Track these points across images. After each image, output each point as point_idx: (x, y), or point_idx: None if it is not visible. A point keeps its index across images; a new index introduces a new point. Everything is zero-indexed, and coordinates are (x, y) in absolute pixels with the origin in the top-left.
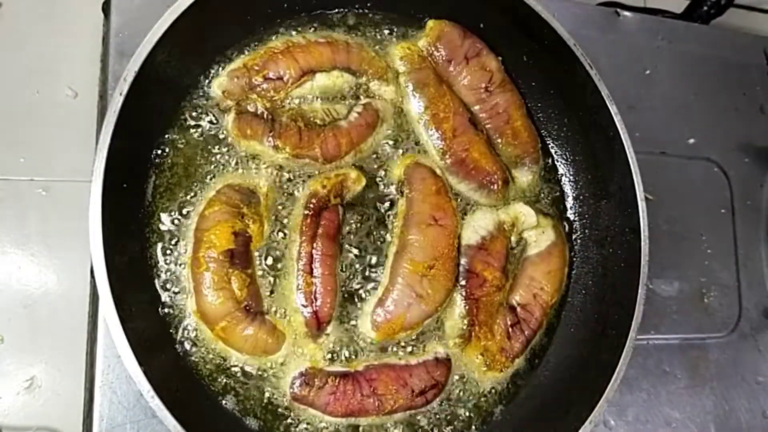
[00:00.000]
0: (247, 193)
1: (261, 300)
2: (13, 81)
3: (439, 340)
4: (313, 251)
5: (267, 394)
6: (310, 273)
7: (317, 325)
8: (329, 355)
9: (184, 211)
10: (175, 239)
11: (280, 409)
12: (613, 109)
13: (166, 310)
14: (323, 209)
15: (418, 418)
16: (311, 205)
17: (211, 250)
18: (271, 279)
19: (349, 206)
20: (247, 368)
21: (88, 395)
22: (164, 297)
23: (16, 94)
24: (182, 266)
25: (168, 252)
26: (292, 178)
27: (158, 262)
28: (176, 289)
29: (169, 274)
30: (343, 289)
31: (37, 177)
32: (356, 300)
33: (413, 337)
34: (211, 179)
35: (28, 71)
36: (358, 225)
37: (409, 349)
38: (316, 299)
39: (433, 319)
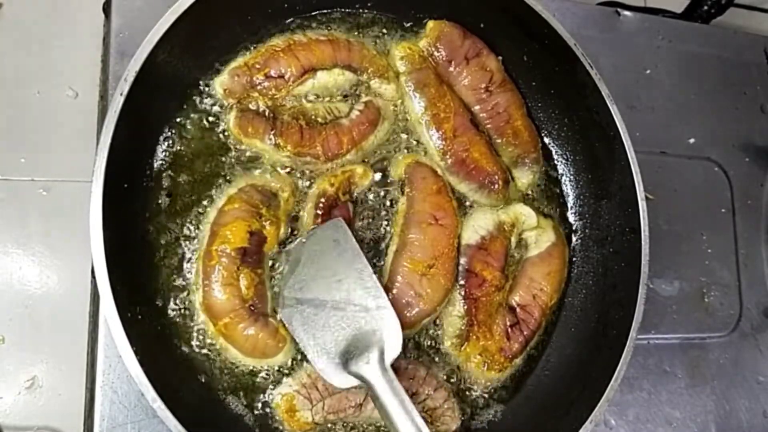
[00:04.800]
0: (269, 195)
1: (266, 302)
2: (13, 81)
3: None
4: None
5: (270, 396)
6: None
7: None
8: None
9: (185, 210)
10: (176, 238)
11: None
12: (613, 109)
13: (167, 310)
14: (333, 207)
15: None
16: (321, 205)
17: (225, 245)
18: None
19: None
20: (250, 369)
21: (89, 395)
22: (165, 296)
23: (17, 94)
24: (183, 265)
25: (169, 251)
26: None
27: (159, 262)
28: (178, 289)
29: (170, 273)
30: None
31: (37, 177)
32: None
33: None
34: (214, 178)
35: (28, 71)
36: (358, 223)
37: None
38: None
39: (432, 319)
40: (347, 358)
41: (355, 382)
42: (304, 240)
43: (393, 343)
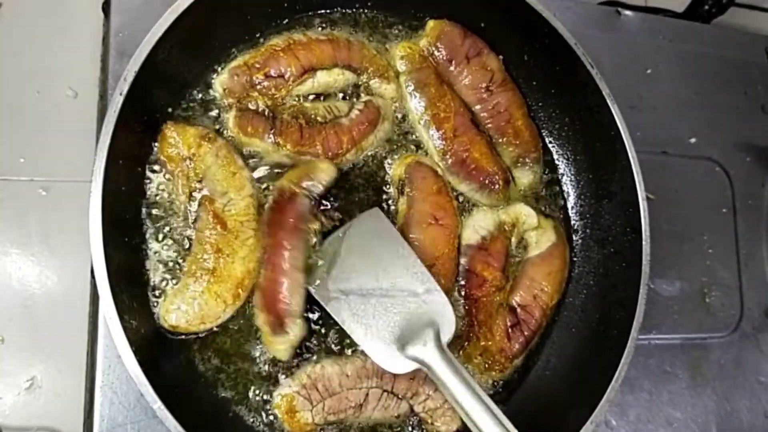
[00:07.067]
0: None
1: None
2: (13, 81)
3: None
4: (274, 244)
5: (270, 395)
6: (272, 269)
7: (279, 323)
8: (298, 350)
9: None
10: (175, 237)
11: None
12: (614, 109)
13: None
14: (290, 202)
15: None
16: (278, 200)
17: None
18: None
19: (349, 205)
20: (249, 368)
21: (89, 395)
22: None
23: (16, 94)
24: (182, 264)
25: (168, 250)
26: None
27: (158, 261)
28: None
29: (169, 273)
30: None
31: (37, 177)
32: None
33: None
34: None
35: (28, 71)
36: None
37: None
38: (276, 295)
39: None
40: (403, 343)
41: (414, 366)
42: (341, 234)
43: (447, 324)
